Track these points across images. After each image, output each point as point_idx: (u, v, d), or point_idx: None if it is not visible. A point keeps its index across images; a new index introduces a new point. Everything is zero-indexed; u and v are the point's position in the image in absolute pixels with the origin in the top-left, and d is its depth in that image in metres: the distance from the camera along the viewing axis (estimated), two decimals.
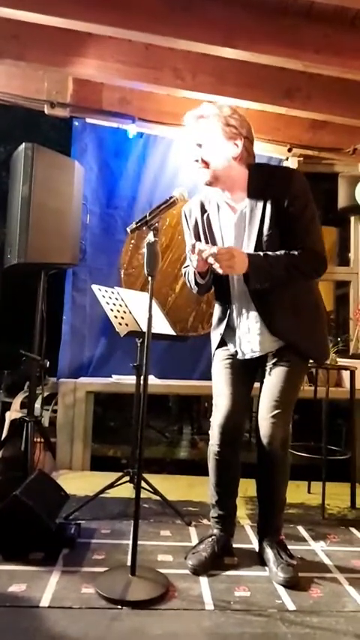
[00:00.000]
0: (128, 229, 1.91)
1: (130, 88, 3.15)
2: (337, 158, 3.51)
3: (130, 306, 2.68)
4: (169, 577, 1.88)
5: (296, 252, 1.88)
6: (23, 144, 2.77)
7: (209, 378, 2.19)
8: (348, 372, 3.00)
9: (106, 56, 2.77)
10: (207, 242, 2.03)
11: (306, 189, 1.94)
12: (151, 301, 1.90)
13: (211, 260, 1.83)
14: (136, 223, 1.88)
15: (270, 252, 1.89)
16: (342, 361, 3.26)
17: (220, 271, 1.85)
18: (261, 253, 1.89)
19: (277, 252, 1.89)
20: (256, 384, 2.13)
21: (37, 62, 2.83)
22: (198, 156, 1.94)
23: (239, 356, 2.06)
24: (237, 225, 1.98)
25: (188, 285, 2.17)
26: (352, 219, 3.74)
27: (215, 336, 2.14)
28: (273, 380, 1.99)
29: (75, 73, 2.98)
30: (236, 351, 2.07)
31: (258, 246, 1.92)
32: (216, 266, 1.83)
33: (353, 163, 3.59)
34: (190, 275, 2.10)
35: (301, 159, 3.52)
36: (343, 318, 3.83)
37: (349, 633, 1.62)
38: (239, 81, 2.83)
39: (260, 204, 1.91)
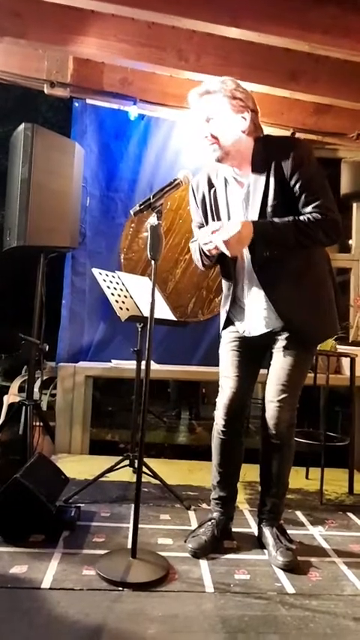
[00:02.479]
0: (132, 211, 1.88)
1: (131, 68, 3.09)
2: (340, 143, 3.46)
3: (130, 291, 2.66)
4: (169, 560, 1.89)
5: (306, 218, 1.84)
6: (23, 124, 2.72)
7: (208, 364, 2.18)
8: (348, 359, 3.01)
9: (109, 35, 2.71)
10: (213, 217, 2.02)
11: (310, 155, 1.90)
12: (154, 286, 1.87)
13: (222, 247, 1.83)
14: (140, 205, 1.85)
15: (277, 219, 1.85)
16: (342, 348, 3.26)
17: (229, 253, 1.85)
18: (267, 219, 1.86)
19: (286, 218, 1.84)
20: (262, 370, 2.13)
21: (38, 40, 2.76)
22: (207, 132, 1.91)
23: (246, 333, 2.04)
24: (245, 201, 1.96)
25: (195, 260, 2.14)
26: (355, 205, 3.71)
27: (222, 314, 2.13)
28: (280, 364, 1.98)
29: (76, 52, 2.91)
30: (244, 330, 2.05)
31: (262, 217, 1.89)
32: (226, 250, 1.83)
33: (357, 149, 3.55)
34: (196, 252, 2.07)
35: None
36: (343, 305, 3.82)
37: (347, 616, 1.63)
38: (244, 62, 2.77)
39: (263, 176, 1.88)
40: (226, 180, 2.01)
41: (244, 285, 2.02)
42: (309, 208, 1.85)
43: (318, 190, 1.86)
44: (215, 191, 2.03)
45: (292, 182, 1.85)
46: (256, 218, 1.89)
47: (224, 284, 2.13)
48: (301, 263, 1.94)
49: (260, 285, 1.95)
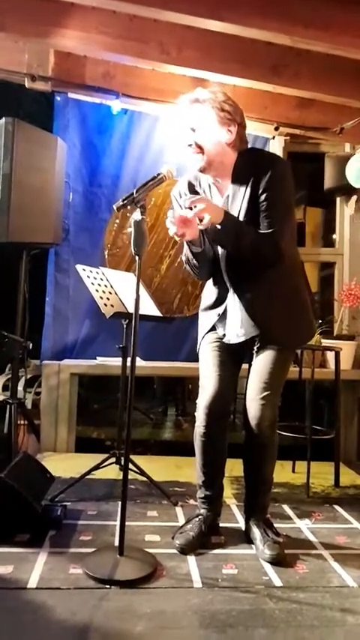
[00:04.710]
0: (115, 206, 1.87)
1: (113, 62, 3.05)
2: (323, 138, 3.46)
3: (115, 287, 2.64)
4: (157, 556, 1.89)
5: (264, 235, 1.89)
6: (3, 118, 2.68)
7: (194, 360, 2.17)
8: (332, 352, 3.03)
9: (90, 27, 2.67)
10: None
11: (285, 178, 1.93)
12: (138, 282, 1.86)
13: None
14: (123, 200, 1.84)
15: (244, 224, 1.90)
16: (326, 342, 3.28)
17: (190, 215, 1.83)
18: (235, 217, 1.90)
19: (251, 227, 1.90)
20: (244, 366, 2.13)
21: (18, 33, 2.72)
22: (192, 140, 1.92)
23: (226, 340, 2.06)
24: None
25: (190, 271, 2.13)
26: (338, 200, 3.72)
27: (208, 318, 2.12)
28: (261, 362, 1.99)
29: (57, 45, 2.87)
30: (224, 335, 2.07)
31: None
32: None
33: (340, 143, 3.56)
34: (188, 256, 2.06)
35: (288, 138, 3.48)
36: (327, 299, 3.84)
37: (334, 608, 1.65)
38: (226, 56, 2.76)
39: (242, 188, 1.92)
40: (209, 187, 2.03)
41: (228, 294, 2.04)
42: (265, 232, 1.89)
43: (278, 217, 1.90)
44: None
45: (261, 199, 1.89)
46: None
47: (212, 290, 2.12)
48: (275, 274, 1.97)
49: (237, 295, 1.98)
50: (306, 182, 4.39)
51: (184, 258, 2.11)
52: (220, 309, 2.06)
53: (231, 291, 2.02)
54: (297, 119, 3.34)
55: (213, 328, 2.11)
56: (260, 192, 1.88)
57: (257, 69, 2.83)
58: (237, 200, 1.93)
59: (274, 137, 3.50)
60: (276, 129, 3.38)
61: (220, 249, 2.00)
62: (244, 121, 1.97)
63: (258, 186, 1.89)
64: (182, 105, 1.94)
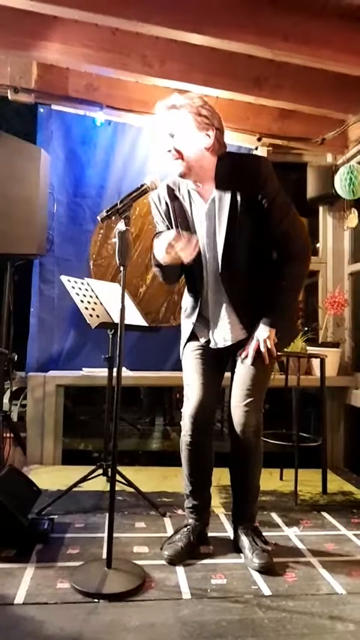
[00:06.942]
0: (99, 217, 1.87)
1: (97, 74, 3.08)
2: (305, 148, 3.52)
3: (100, 297, 2.64)
4: (146, 568, 1.87)
5: (284, 273, 1.96)
6: None
7: (181, 369, 2.17)
8: (318, 360, 3.05)
9: (72, 40, 2.70)
10: (179, 229, 2.01)
11: (272, 173, 1.96)
12: (123, 292, 1.86)
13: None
14: (107, 211, 1.84)
15: (277, 303, 1.98)
16: (311, 349, 3.30)
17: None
18: (274, 312, 1.98)
19: (278, 295, 1.98)
20: (227, 374, 2.14)
21: (0, 46, 2.73)
22: (170, 146, 1.92)
23: (212, 345, 2.07)
24: (208, 215, 1.99)
25: (158, 275, 2.15)
26: (321, 209, 3.77)
27: (187, 326, 2.13)
28: (244, 369, 2.00)
29: (39, 58, 2.89)
30: (208, 341, 2.07)
31: (229, 234, 1.93)
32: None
33: (322, 153, 3.62)
34: (155, 266, 2.08)
35: (270, 148, 3.52)
36: (312, 307, 3.88)
37: (324, 615, 1.64)
38: (208, 69, 2.80)
39: (229, 193, 1.92)
40: (189, 193, 2.03)
41: (209, 299, 2.05)
42: (278, 227, 1.93)
43: (285, 208, 1.95)
44: (180, 203, 2.05)
45: (259, 198, 1.90)
46: (224, 235, 1.94)
47: (188, 298, 2.14)
48: (265, 279, 1.99)
49: (228, 299, 1.99)
50: (289, 192, 4.41)
51: (153, 262, 2.12)
52: (196, 316, 2.07)
53: (217, 297, 2.01)
54: (279, 130, 3.39)
55: (195, 336, 2.11)
56: (257, 191, 1.89)
57: (239, 81, 2.88)
58: (224, 204, 1.93)
59: (256, 148, 3.54)
60: (259, 139, 3.43)
61: (208, 260, 2.00)
62: (222, 126, 1.98)
63: (249, 187, 1.89)
64: (159, 111, 1.94)
